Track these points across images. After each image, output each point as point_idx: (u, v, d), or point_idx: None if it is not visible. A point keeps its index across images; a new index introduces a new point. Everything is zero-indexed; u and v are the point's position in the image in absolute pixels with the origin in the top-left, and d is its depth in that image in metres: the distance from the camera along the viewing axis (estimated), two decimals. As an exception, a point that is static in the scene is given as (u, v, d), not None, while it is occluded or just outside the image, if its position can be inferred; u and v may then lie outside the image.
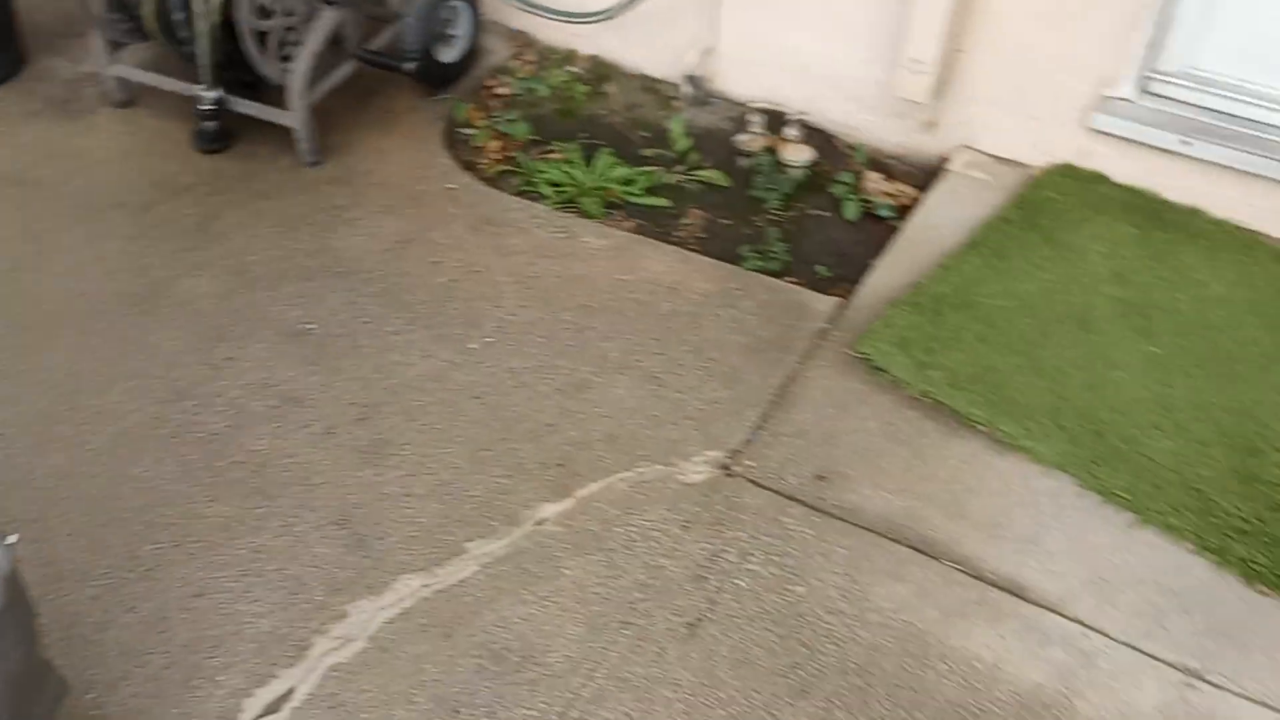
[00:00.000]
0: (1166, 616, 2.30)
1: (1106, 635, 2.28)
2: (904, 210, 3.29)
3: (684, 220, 3.31)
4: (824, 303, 3.00)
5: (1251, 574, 2.34)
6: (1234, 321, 2.82)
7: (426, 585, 2.39)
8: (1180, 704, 2.17)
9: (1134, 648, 2.26)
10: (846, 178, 3.39)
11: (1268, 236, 3.05)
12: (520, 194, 3.39)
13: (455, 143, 3.57)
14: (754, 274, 3.12)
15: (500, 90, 3.75)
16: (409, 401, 2.76)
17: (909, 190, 3.37)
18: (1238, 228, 3.07)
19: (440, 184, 3.38)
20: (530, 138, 3.58)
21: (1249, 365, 2.72)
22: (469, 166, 3.48)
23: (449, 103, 3.68)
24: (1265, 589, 2.32)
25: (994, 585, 2.37)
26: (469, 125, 3.61)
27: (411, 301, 3.01)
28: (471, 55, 3.76)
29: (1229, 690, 2.19)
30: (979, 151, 3.36)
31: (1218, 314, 2.83)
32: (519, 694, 2.22)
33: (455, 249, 3.16)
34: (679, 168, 3.47)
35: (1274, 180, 2.99)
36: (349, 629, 2.32)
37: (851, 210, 3.31)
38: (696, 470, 2.61)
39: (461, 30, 3.68)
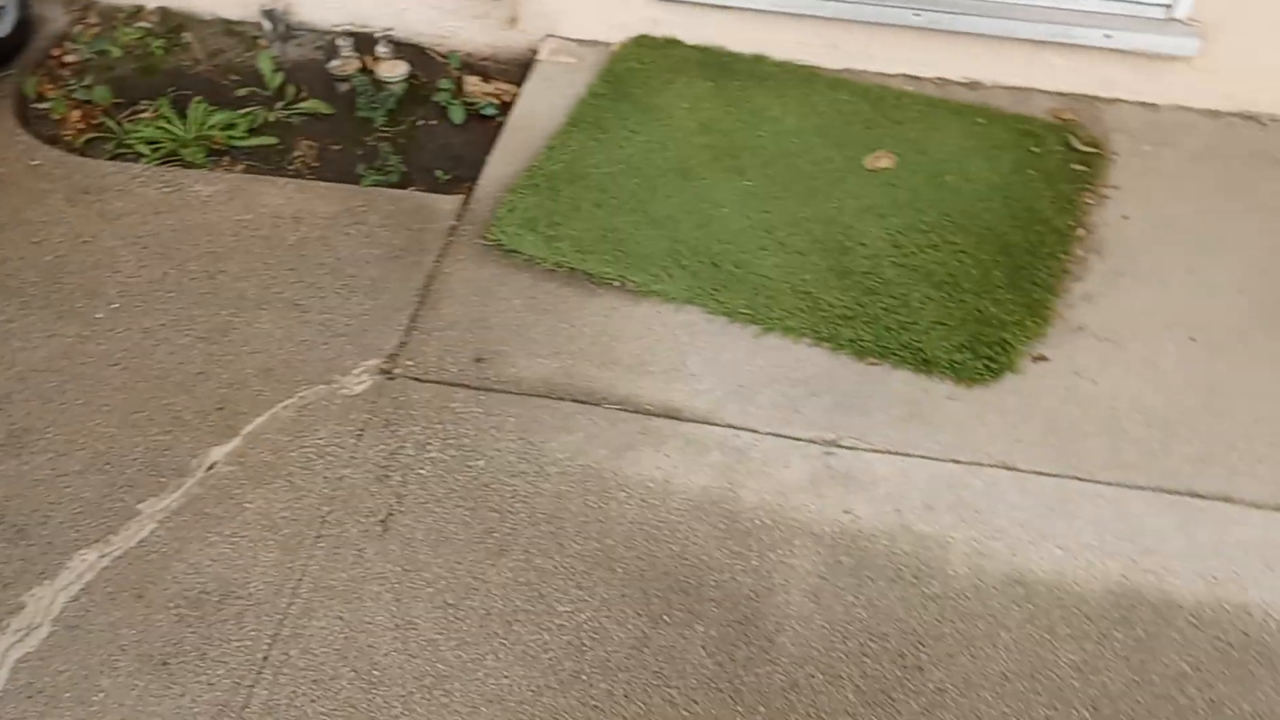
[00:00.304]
0: (799, 403, 2.60)
1: (754, 431, 2.55)
2: (506, 106, 3.41)
3: (294, 153, 3.29)
4: (448, 203, 3.09)
5: (861, 351, 2.67)
6: (808, 147, 3.16)
7: (104, 555, 2.32)
8: (824, 470, 2.47)
9: (778, 435, 2.54)
10: (446, 85, 3.47)
11: (822, 69, 3.42)
12: (115, 158, 3.25)
13: (31, 119, 3.35)
14: (375, 189, 3.16)
15: (68, 58, 3.53)
16: (42, 385, 2.62)
17: (507, 87, 3.50)
18: (797, 66, 3.41)
19: (23, 163, 3.17)
20: (114, 101, 3.41)
21: (826, 180, 3.06)
22: (52, 140, 3.28)
23: (12, 79, 3.43)
24: (873, 360, 2.66)
25: (652, 414, 2.58)
26: (42, 99, 3.39)
27: (19, 286, 2.84)
28: (25, 26, 3.52)
29: (860, 449, 2.51)
30: (563, 38, 3.54)
31: (793, 143, 3.16)
32: (226, 629, 2.22)
33: (56, 224, 3.00)
34: (278, 105, 3.43)
35: (819, 18, 3.34)
36: (29, 618, 2.22)
37: (457, 114, 3.41)
38: (358, 381, 2.65)
39: (5, 1, 3.43)
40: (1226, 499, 2.42)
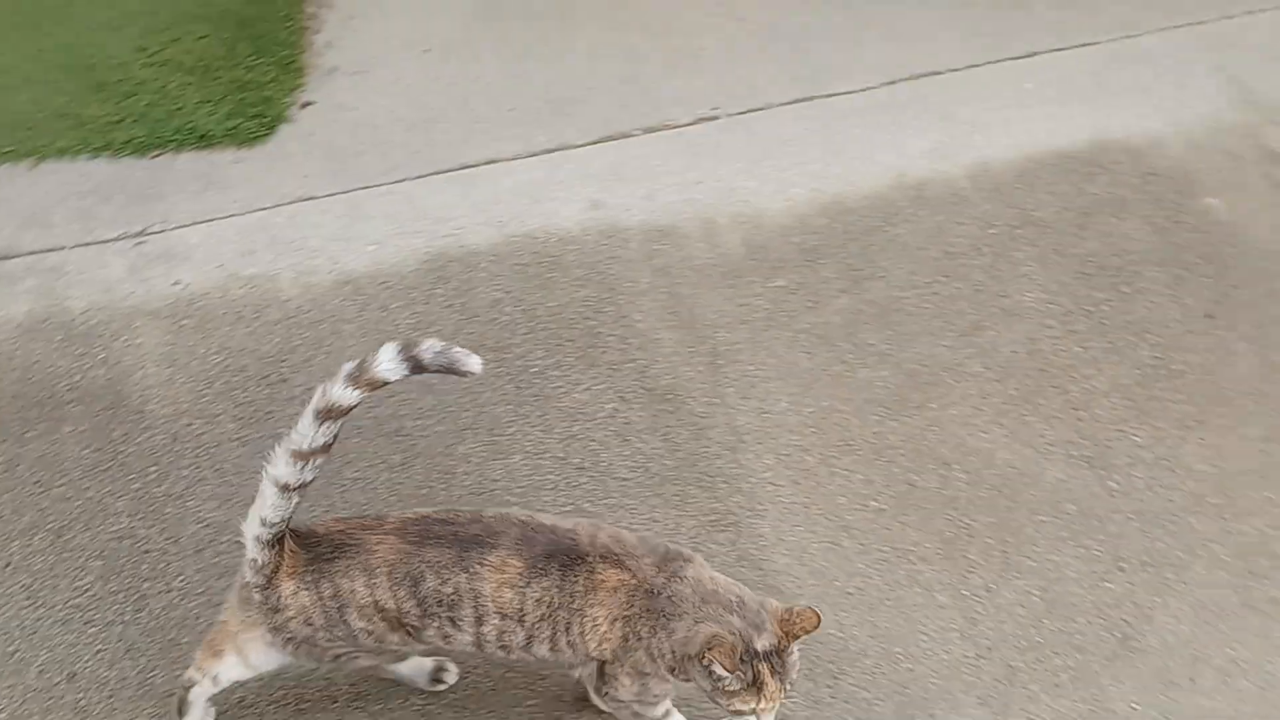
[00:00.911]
0: (95, 210, 2.66)
1: (59, 249, 2.58)
2: None
3: None
4: None
5: (140, 148, 2.77)
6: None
7: None
8: (140, 258, 2.57)
9: (85, 244, 2.59)
10: None
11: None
12: None
13: None
14: None
15: None
16: None
17: None
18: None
19: None
20: None
21: (52, 16, 3.05)
22: None
23: None
24: (156, 152, 2.77)
25: (-54, 270, 2.51)
26: None
27: None
28: None
29: (168, 229, 2.64)
30: None
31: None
32: None
33: None
34: None
35: None
36: None
37: None
38: None
39: None
40: (491, 161, 2.84)
